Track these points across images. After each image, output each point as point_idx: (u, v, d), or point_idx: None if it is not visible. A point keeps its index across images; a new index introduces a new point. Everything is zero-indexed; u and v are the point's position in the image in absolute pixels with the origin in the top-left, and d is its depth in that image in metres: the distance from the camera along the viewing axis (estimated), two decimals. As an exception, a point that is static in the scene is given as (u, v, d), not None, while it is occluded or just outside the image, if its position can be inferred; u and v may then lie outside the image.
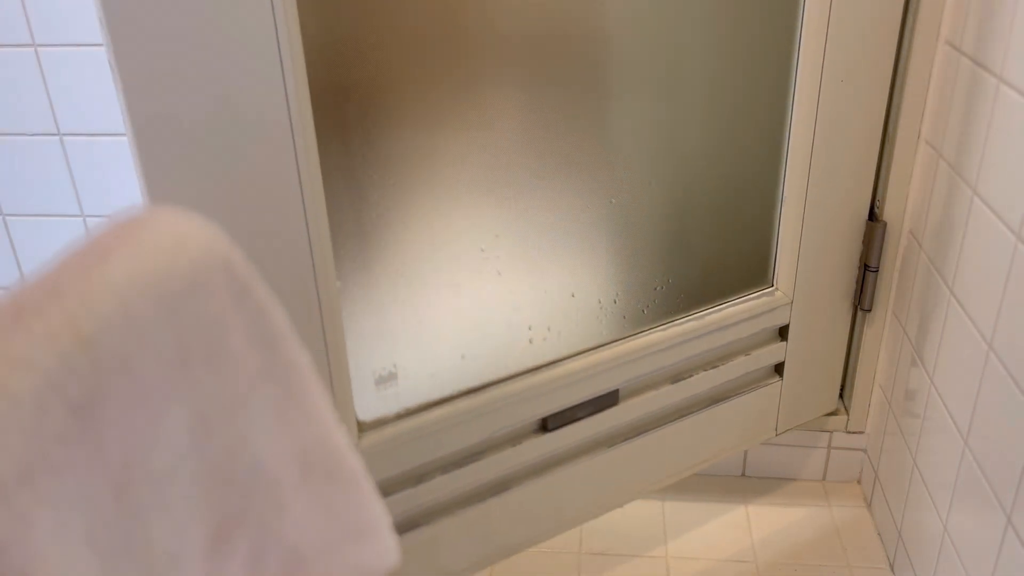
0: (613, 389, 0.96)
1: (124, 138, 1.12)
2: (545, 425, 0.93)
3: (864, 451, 1.20)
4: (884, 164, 1.02)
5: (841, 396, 1.18)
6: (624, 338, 0.96)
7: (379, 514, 0.41)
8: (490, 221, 0.84)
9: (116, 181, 1.15)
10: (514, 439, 0.92)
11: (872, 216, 1.04)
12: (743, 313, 1.02)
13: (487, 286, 0.86)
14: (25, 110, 1.11)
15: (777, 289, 1.05)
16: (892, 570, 1.08)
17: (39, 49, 1.08)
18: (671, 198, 0.95)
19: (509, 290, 0.88)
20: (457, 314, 0.86)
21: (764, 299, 1.04)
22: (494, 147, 0.82)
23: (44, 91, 1.10)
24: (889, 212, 1.02)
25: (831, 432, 1.20)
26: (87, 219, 1.19)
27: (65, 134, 1.13)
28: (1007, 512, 0.76)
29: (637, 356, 0.96)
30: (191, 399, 0.31)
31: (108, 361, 0.27)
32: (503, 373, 0.90)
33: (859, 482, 1.22)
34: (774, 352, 1.08)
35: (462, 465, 0.88)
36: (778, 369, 1.10)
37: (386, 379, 0.83)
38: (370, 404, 0.83)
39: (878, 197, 1.03)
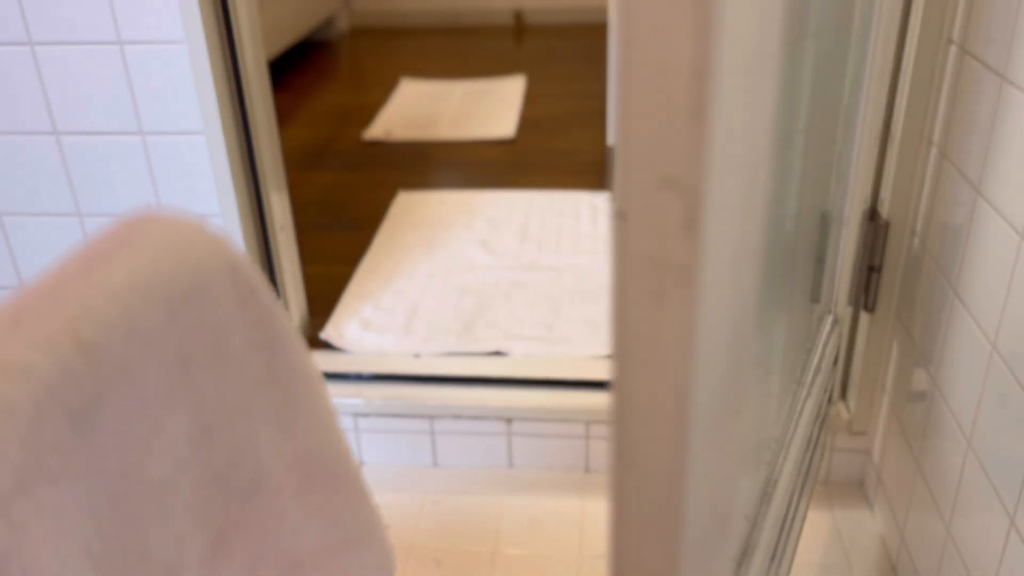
0: (773, 476, 0.82)
1: (123, 137, 1.12)
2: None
3: (867, 453, 1.19)
4: (886, 164, 1.01)
5: (843, 397, 1.18)
6: (793, 417, 0.83)
7: (378, 523, 0.40)
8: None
9: (114, 179, 1.15)
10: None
11: (873, 216, 1.04)
12: (832, 351, 0.95)
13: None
14: (21, 108, 1.11)
15: (836, 315, 0.99)
16: (895, 573, 1.07)
17: (36, 48, 1.07)
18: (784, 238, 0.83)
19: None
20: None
21: (836, 329, 0.98)
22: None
23: (40, 89, 1.09)
24: (892, 212, 1.02)
25: (833, 433, 1.19)
26: (84, 218, 1.18)
27: (62, 133, 1.12)
28: (1010, 514, 0.75)
29: (798, 431, 0.82)
30: (193, 406, 0.30)
31: (109, 367, 0.26)
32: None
33: (862, 484, 1.22)
34: (834, 379, 1.01)
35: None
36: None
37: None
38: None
39: (880, 196, 1.03)
